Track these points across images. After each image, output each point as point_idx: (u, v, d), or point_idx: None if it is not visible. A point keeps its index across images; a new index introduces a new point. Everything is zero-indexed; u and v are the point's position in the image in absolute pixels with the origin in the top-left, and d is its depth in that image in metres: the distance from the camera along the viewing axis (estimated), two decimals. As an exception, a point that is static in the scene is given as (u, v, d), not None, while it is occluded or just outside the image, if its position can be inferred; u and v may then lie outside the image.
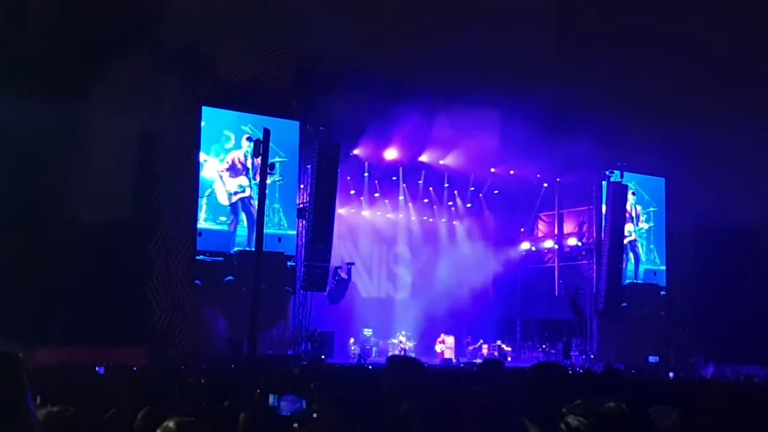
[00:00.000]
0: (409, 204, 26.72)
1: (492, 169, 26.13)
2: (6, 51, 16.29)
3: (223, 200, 20.84)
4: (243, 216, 21.05)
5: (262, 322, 19.64)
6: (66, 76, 16.90)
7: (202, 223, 20.44)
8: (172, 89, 18.69)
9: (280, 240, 21.46)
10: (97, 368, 9.01)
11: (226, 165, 20.93)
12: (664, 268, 27.66)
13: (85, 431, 3.26)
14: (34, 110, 15.97)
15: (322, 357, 20.17)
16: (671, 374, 17.84)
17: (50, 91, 16.47)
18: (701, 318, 25.89)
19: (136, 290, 18.76)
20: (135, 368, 11.46)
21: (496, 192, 27.47)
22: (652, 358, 24.52)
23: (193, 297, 19.86)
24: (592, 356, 24.72)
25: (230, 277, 20.51)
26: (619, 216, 25.65)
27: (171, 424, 3.57)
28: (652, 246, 27.76)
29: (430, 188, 26.80)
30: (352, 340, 23.57)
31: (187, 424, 3.55)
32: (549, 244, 28.32)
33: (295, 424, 2.78)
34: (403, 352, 22.43)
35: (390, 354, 18.35)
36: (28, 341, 13.48)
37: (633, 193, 27.01)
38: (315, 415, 2.73)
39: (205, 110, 20.47)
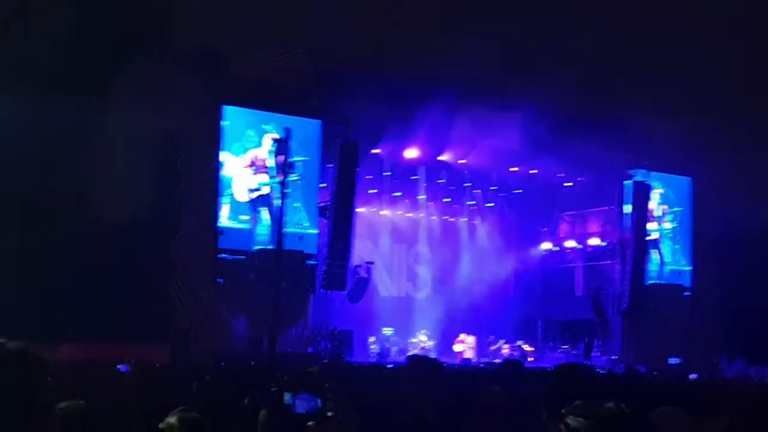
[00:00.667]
0: (430, 203, 26.75)
1: (513, 168, 26.10)
2: (25, 50, 16.46)
3: (243, 198, 20.96)
4: (263, 214, 21.15)
5: (283, 321, 19.75)
6: (86, 75, 17.06)
7: (224, 222, 20.59)
8: (192, 88, 18.78)
9: (300, 238, 21.54)
10: (119, 366, 9.13)
11: (247, 163, 21.06)
12: (689, 268, 27.50)
13: (96, 423, 3.35)
14: (55, 110, 16.13)
15: (342, 355, 20.23)
16: (693, 376, 17.75)
17: (71, 90, 16.63)
18: (725, 319, 25.72)
19: (159, 289, 18.92)
20: (157, 365, 11.57)
21: (517, 191, 27.44)
22: (672, 360, 24.38)
23: (215, 295, 20.00)
24: (613, 357, 24.64)
25: (251, 276, 20.61)
26: (642, 216, 25.55)
27: (173, 420, 3.67)
28: (677, 246, 27.61)
29: (451, 187, 26.81)
30: (372, 339, 23.65)
31: (189, 420, 3.65)
32: (571, 243, 28.25)
33: (310, 423, 2.85)
34: (423, 352, 22.46)
35: (410, 353, 18.39)
36: (52, 338, 13.64)
37: (660, 193, 26.87)
38: (330, 414, 2.79)
39: (227, 109, 20.63)
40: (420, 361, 5.81)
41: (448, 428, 3.83)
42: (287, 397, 3.00)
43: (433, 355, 18.69)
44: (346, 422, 2.77)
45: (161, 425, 3.70)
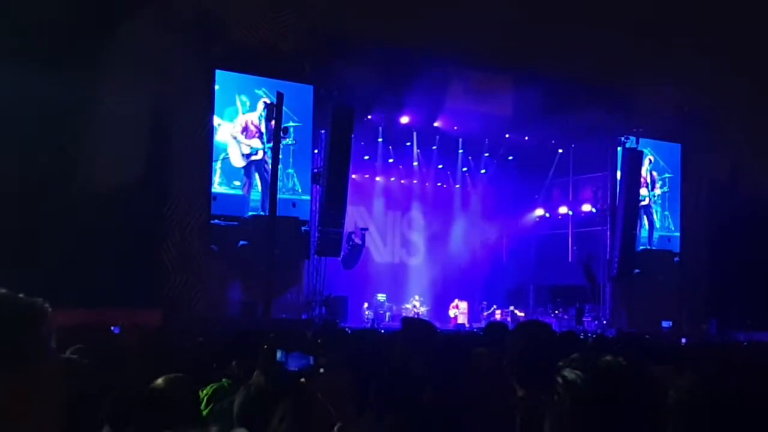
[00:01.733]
0: (423, 170, 26.69)
1: (506, 135, 26.01)
2: (14, 20, 16.26)
3: (237, 162, 20.83)
4: (257, 180, 21.06)
5: (277, 287, 19.75)
6: (76, 40, 16.87)
7: (217, 188, 20.48)
8: (184, 53, 18.60)
9: (294, 205, 21.49)
10: (112, 328, 9.12)
11: (240, 128, 20.92)
12: (678, 234, 27.58)
13: (95, 380, 3.32)
14: (44, 77, 15.96)
15: (336, 321, 20.27)
16: (683, 339, 17.84)
17: (60, 56, 16.44)
18: (714, 284, 25.85)
19: (152, 254, 18.86)
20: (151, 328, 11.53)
21: (510, 158, 27.38)
22: (665, 323, 24.53)
23: (209, 261, 19.97)
24: (604, 322, 24.76)
25: (245, 242, 20.59)
26: (633, 182, 25.56)
27: (160, 381, 3.67)
28: (666, 212, 27.65)
29: (444, 154, 26.74)
30: (366, 305, 23.67)
31: (175, 381, 3.64)
32: (563, 210, 28.27)
33: (302, 379, 2.81)
34: (416, 317, 22.52)
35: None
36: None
37: (650, 160, 26.91)
38: (322, 371, 2.76)
39: (219, 74, 20.40)
40: (413, 322, 5.79)
41: (438, 384, 3.82)
42: (279, 354, 2.96)
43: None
44: (338, 379, 2.74)
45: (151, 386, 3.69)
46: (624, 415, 1.89)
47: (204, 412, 4.62)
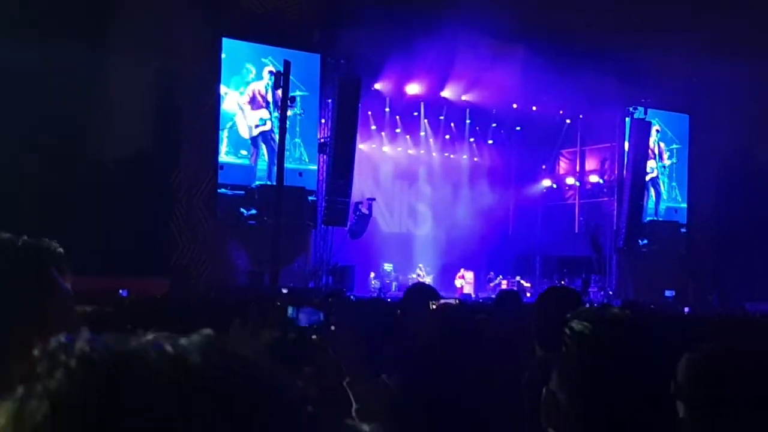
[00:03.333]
0: (431, 140, 26.56)
1: (514, 105, 25.86)
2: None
3: (244, 133, 20.81)
4: (264, 149, 21.02)
5: (284, 256, 19.76)
6: (83, 10, 16.80)
7: (224, 157, 20.45)
8: (191, 21, 18.52)
9: (301, 174, 21.47)
10: (120, 291, 9.18)
11: (247, 97, 20.85)
12: (685, 205, 27.51)
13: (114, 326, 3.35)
14: (51, 48, 15.90)
15: (343, 290, 20.31)
16: (687, 309, 17.84)
17: (66, 27, 16.39)
18: (721, 255, 25.82)
19: (159, 223, 18.89)
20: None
21: (518, 128, 27.24)
22: (668, 292, 24.54)
23: (216, 230, 20.00)
24: (610, 292, 24.76)
25: (252, 211, 20.60)
26: (641, 153, 25.47)
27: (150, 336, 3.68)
28: (674, 183, 27.57)
29: (452, 124, 26.58)
30: (372, 275, 23.68)
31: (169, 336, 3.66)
32: (570, 181, 28.18)
33: (314, 336, 2.82)
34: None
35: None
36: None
37: (657, 130, 26.80)
38: (333, 328, 2.77)
39: (226, 42, 20.29)
40: (418, 287, 5.79)
41: (441, 347, 3.83)
42: (290, 310, 2.96)
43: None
44: (348, 336, 2.75)
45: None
46: (630, 363, 1.88)
47: None
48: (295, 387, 0.80)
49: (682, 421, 2.46)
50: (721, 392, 2.41)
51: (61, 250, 1.86)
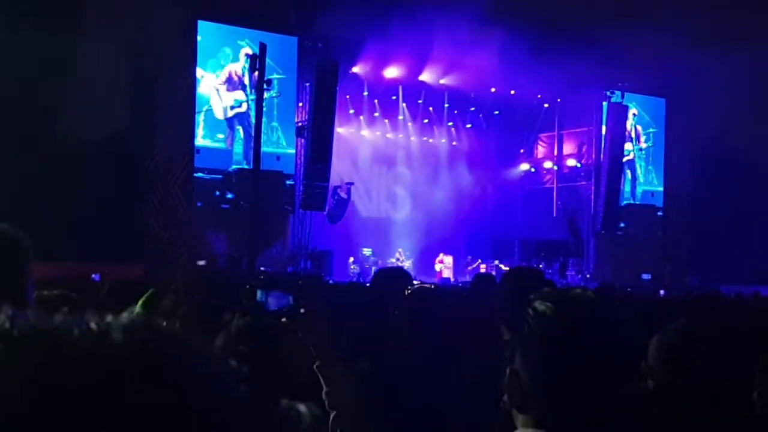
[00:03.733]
0: (409, 124, 26.56)
1: (492, 89, 25.89)
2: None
3: (219, 114, 20.67)
4: (240, 132, 20.93)
5: (262, 241, 19.70)
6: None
7: (200, 141, 20.34)
8: (166, 3, 18.36)
9: (278, 158, 21.40)
10: (93, 275, 9.09)
11: (223, 78, 20.73)
12: (661, 189, 27.72)
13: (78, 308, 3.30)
14: (22, 29, 15.74)
15: (321, 275, 20.31)
16: (662, 292, 17.97)
17: (38, 8, 16.22)
18: (697, 239, 26.02)
19: (135, 208, 18.78)
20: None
21: (496, 112, 27.28)
22: (645, 275, 24.74)
23: (193, 215, 19.91)
24: (588, 275, 24.92)
25: (229, 195, 20.53)
26: (618, 137, 25.62)
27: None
28: (650, 167, 27.76)
29: (430, 108, 26.59)
30: (351, 259, 23.69)
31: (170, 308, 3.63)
32: (548, 165, 28.31)
33: (283, 319, 2.80)
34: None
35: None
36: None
37: (634, 114, 26.93)
38: (302, 311, 2.74)
39: (201, 25, 20.14)
40: (388, 270, 5.77)
41: (412, 331, 3.81)
42: (259, 294, 2.94)
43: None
44: (318, 319, 2.72)
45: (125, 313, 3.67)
46: (593, 346, 1.87)
47: None
48: (225, 366, 0.79)
49: (651, 397, 2.46)
50: (689, 372, 2.40)
51: (25, 238, 1.84)
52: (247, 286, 3.25)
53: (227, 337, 3.60)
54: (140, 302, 3.47)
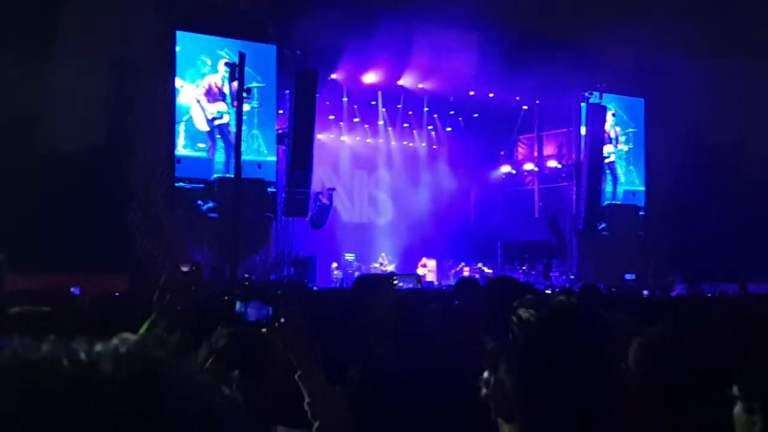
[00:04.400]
0: (389, 129, 26.60)
1: (471, 93, 25.95)
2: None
3: (202, 126, 20.63)
4: (221, 142, 20.90)
5: (245, 249, 19.66)
6: (32, 2, 16.55)
7: (181, 150, 20.27)
8: (144, 13, 18.30)
9: (260, 166, 21.37)
10: (72, 289, 9.01)
11: (203, 90, 20.68)
12: (643, 188, 27.82)
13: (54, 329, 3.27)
14: (1, 43, 15.67)
15: (305, 282, 20.27)
16: (645, 292, 18.06)
17: (16, 18, 16.14)
18: (679, 237, 26.12)
19: (117, 219, 18.68)
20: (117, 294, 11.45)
21: (475, 116, 27.32)
22: (628, 276, 24.81)
23: (175, 224, 19.83)
24: (571, 276, 24.96)
25: (211, 204, 20.48)
26: (598, 138, 25.71)
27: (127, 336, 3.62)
28: (631, 167, 27.86)
29: (410, 112, 26.64)
30: (334, 265, 23.65)
31: (162, 335, 3.59)
32: (529, 166, 28.38)
33: (263, 329, 2.80)
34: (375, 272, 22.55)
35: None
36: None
37: (613, 114, 27.01)
38: (282, 320, 2.74)
39: (180, 35, 20.08)
40: (368, 277, 5.77)
41: (394, 339, 3.82)
42: (238, 305, 2.94)
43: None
44: (298, 328, 2.72)
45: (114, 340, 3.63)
46: (577, 354, 1.88)
47: None
48: (218, 395, 0.78)
49: (632, 400, 2.48)
50: (668, 374, 2.43)
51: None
52: (225, 298, 3.26)
53: (209, 351, 3.60)
54: (143, 328, 3.44)
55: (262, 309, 2.92)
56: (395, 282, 5.61)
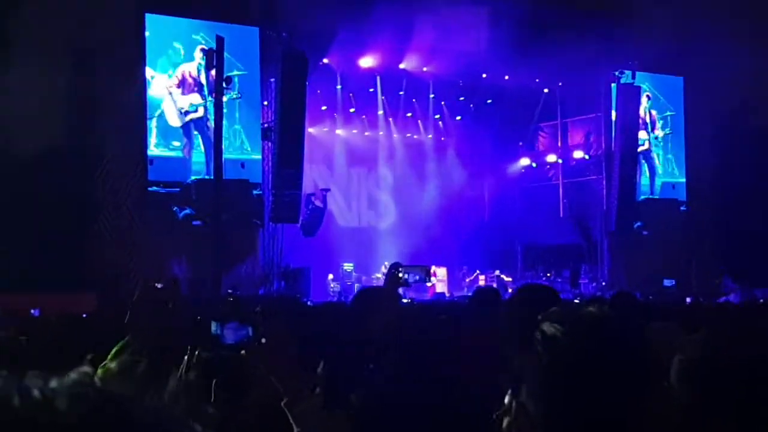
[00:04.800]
0: (390, 119, 26.61)
1: (483, 75, 25.93)
2: None
3: (174, 121, 20.65)
4: (199, 140, 20.90)
5: (228, 260, 19.67)
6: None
7: (153, 150, 20.29)
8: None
9: (243, 166, 21.39)
10: (32, 311, 9.02)
11: (176, 80, 20.70)
12: (683, 180, 27.69)
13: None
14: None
15: (298, 296, 20.25)
16: (689, 299, 18.01)
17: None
18: (727, 235, 25.98)
19: (82, 229, 18.69)
20: (84, 315, 11.46)
21: (489, 101, 27.31)
22: (667, 282, 24.67)
23: (148, 234, 19.83)
24: (603, 283, 24.90)
25: (188, 210, 20.48)
26: (631, 123, 25.61)
27: (112, 365, 3.64)
28: (669, 156, 27.76)
29: (414, 100, 26.65)
30: (331, 277, 23.66)
31: (129, 363, 3.60)
32: (552, 158, 28.34)
33: (243, 351, 2.81)
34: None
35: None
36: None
37: (648, 96, 26.95)
38: (264, 341, 2.75)
39: (149, 18, 20.14)
40: (370, 290, 5.78)
41: (399, 358, 3.82)
42: (214, 326, 2.96)
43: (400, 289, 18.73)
44: (282, 349, 2.72)
45: (99, 371, 3.66)
46: (611, 373, 1.87)
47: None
48: (186, 428, 0.79)
49: (677, 424, 2.47)
50: (714, 395, 2.42)
51: None
52: (198, 318, 3.27)
53: (179, 381, 3.61)
54: (112, 353, 3.45)
55: (241, 330, 2.94)
56: (400, 274, 5.61)
